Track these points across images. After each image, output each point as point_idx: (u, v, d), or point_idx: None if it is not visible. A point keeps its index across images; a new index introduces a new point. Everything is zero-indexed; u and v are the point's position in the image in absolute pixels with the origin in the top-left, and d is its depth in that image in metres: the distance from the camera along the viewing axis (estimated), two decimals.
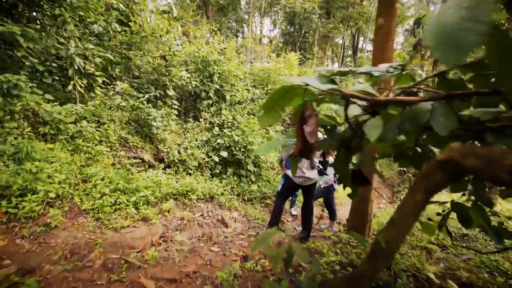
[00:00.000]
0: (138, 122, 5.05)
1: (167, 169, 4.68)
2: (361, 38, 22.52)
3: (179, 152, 5.00)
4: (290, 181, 3.36)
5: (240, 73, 6.86)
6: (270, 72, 8.22)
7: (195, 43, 6.43)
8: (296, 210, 5.91)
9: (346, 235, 3.49)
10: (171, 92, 5.50)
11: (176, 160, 4.81)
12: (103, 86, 4.99)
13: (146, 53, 6.13)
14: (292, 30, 18.94)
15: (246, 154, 5.52)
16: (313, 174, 3.35)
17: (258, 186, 5.53)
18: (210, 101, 6.26)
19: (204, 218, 4.12)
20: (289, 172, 3.35)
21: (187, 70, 6.07)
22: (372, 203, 3.59)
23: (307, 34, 17.77)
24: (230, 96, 6.57)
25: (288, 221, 5.41)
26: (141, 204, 3.60)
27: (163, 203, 3.93)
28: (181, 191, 4.29)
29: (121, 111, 4.96)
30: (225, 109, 6.41)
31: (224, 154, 5.37)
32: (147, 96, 4.92)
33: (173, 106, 5.64)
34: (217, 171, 5.39)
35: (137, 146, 4.69)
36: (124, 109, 4.90)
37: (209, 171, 5.28)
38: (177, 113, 5.69)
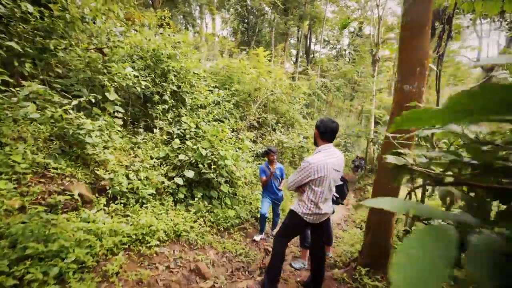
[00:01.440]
0: (65, 139, 3.59)
1: (111, 204, 3.35)
2: (313, 40, 22.88)
3: (127, 177, 3.70)
4: (298, 219, 2.44)
5: (201, 71, 5.70)
6: (234, 70, 7.21)
7: (143, 32, 5.07)
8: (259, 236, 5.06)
9: (369, 277, 2.73)
10: (112, 96, 4.11)
11: (125, 189, 3.51)
12: (4, 88, 3.40)
13: (74, 44, 4.57)
14: (245, 28, 18.13)
15: (217, 172, 4.45)
16: (329, 207, 2.49)
17: (235, 210, 4.51)
18: (166, 106, 5.00)
19: (172, 272, 2.96)
20: (300, 208, 2.41)
21: (133, 67, 4.71)
22: (393, 230, 2.90)
23: (262, 32, 17.11)
24: (191, 99, 5.39)
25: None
26: (71, 273, 2.30)
27: (108, 261, 2.66)
28: (134, 237, 3.05)
29: (36, 125, 3.45)
30: (186, 115, 5.22)
31: (190, 174, 4.21)
32: (75, 102, 3.49)
33: (116, 114, 4.26)
34: (181, 196, 4.21)
35: (63, 175, 3.26)
36: (41, 121, 3.41)
37: (171, 198, 4.08)
38: (122, 123, 4.32)
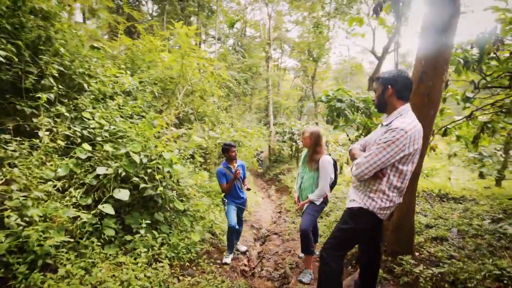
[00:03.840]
0: None
1: None
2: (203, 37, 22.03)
3: (1, 223, 1.87)
4: (370, 219, 1.67)
5: (105, 46, 3.90)
6: (139, 54, 5.53)
7: None
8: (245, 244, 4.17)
9: (407, 263, 2.28)
10: None
11: None
12: None
13: None
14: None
15: (165, 184, 3.05)
16: None
17: (199, 232, 3.25)
18: (51, 95, 3.07)
19: None
20: (377, 202, 1.62)
21: None
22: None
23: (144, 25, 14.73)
24: (94, 84, 3.58)
25: (246, 266, 3.60)
26: None
27: None
28: None
29: None
30: (87, 107, 3.40)
31: (123, 195, 2.66)
32: None
33: None
34: (111, 232, 2.62)
35: None
36: None
37: (95, 240, 2.44)
38: None
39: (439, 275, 2.25)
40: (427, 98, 2.27)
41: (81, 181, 2.71)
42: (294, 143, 14.95)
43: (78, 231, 2.39)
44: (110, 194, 2.64)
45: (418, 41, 2.40)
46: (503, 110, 5.56)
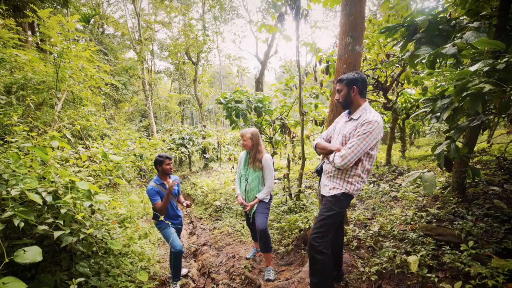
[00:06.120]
0: None
1: None
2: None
3: None
4: (348, 201, 1.98)
5: None
6: None
7: None
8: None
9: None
10: None
11: None
12: None
13: None
14: None
15: (89, 223, 2.28)
16: None
17: (144, 271, 2.63)
18: None
19: None
20: (356, 184, 1.91)
21: None
22: None
23: None
24: None
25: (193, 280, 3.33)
26: None
27: None
28: None
29: None
30: None
31: (32, 254, 1.80)
32: None
33: None
34: None
35: None
36: None
37: None
38: None
39: (375, 233, 2.85)
40: (352, 51, 2.70)
41: None
42: (185, 149, 14.35)
43: None
44: (6, 260, 1.74)
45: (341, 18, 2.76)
46: None
